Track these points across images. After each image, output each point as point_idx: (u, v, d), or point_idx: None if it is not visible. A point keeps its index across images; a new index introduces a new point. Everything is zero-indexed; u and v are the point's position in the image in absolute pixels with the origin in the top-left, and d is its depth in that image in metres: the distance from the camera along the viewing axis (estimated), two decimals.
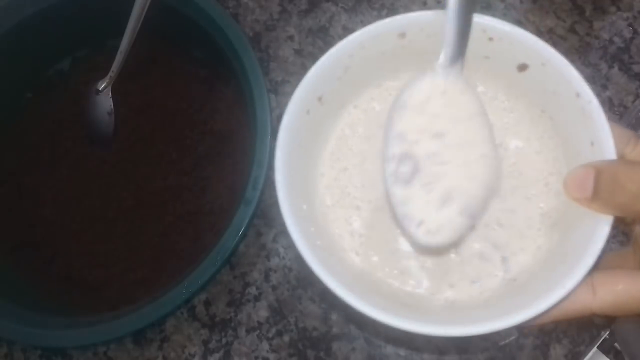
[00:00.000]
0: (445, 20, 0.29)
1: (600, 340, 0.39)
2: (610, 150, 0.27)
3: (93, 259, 0.44)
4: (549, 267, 0.28)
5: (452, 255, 0.30)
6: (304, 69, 0.49)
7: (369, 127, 0.33)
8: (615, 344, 0.38)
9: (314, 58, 0.49)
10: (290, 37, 0.50)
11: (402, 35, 0.31)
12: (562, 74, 0.29)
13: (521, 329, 0.41)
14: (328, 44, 0.49)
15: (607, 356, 0.38)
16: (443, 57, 0.29)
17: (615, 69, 0.46)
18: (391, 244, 0.31)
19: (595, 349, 0.39)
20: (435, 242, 0.27)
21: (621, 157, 0.28)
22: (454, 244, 0.30)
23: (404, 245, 0.31)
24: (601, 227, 0.26)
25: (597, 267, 0.26)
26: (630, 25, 0.48)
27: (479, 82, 0.33)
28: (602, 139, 0.27)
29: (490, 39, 0.31)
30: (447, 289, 0.30)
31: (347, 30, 0.49)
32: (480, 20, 0.30)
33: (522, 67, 0.31)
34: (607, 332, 0.39)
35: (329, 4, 0.50)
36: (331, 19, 0.50)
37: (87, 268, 0.43)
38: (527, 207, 0.30)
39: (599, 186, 0.26)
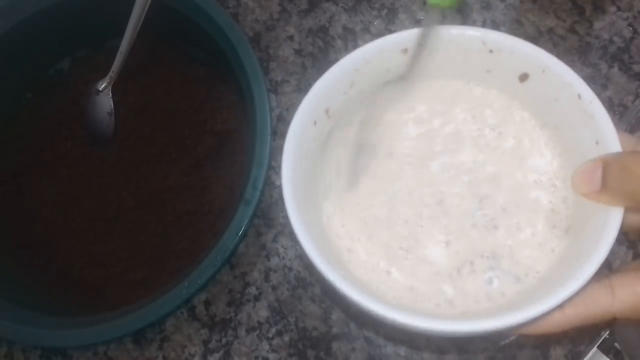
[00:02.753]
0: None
1: (600, 340, 0.39)
2: (615, 146, 0.27)
3: (93, 259, 0.44)
4: (562, 268, 0.28)
5: (464, 270, 0.30)
6: (304, 68, 0.49)
7: (377, 144, 0.33)
8: (615, 344, 0.38)
9: (314, 58, 0.49)
10: (290, 37, 0.50)
11: (405, 51, 0.32)
12: (562, 78, 0.29)
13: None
14: (328, 44, 0.49)
15: (607, 356, 0.38)
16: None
17: (615, 69, 0.46)
18: (395, 257, 0.31)
19: (595, 349, 0.39)
20: None
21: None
22: None
23: (411, 260, 0.31)
24: (613, 218, 0.26)
25: (615, 271, 0.26)
26: (630, 25, 0.48)
27: (481, 105, 0.33)
28: (607, 136, 0.28)
29: (491, 51, 0.31)
30: (460, 305, 0.29)
31: (347, 30, 0.49)
32: (480, 33, 0.31)
33: (524, 77, 0.31)
34: (607, 332, 0.39)
35: (329, 4, 0.50)
36: (331, 18, 0.50)
37: (87, 268, 0.43)
38: (535, 213, 0.30)
39: (608, 176, 0.26)
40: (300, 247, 0.28)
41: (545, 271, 0.29)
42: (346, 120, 0.33)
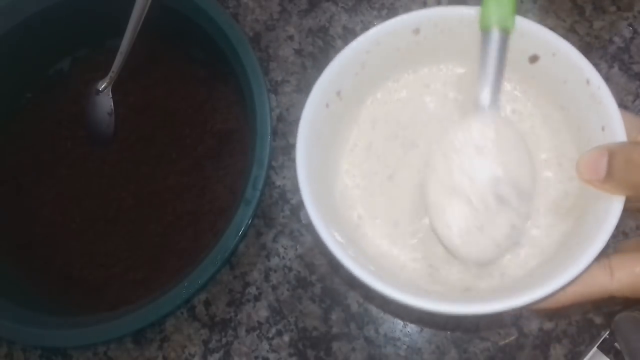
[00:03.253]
0: (484, 59, 0.30)
1: (600, 340, 0.39)
2: (621, 134, 0.27)
3: (93, 259, 0.44)
4: (563, 250, 0.28)
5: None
6: (304, 68, 0.49)
7: (388, 122, 0.33)
8: (615, 344, 0.38)
9: (314, 58, 0.49)
10: (290, 37, 0.50)
11: (417, 31, 0.32)
12: (572, 62, 0.29)
13: (528, 322, 0.41)
14: (328, 43, 0.49)
15: (607, 356, 0.38)
16: (484, 98, 0.30)
17: (615, 69, 0.46)
18: (403, 235, 0.31)
19: (595, 349, 0.39)
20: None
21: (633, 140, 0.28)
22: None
23: (423, 239, 0.31)
24: (614, 207, 0.26)
25: (615, 251, 0.27)
26: (630, 25, 0.48)
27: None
28: (613, 123, 0.28)
29: None
30: (470, 280, 0.30)
31: (347, 30, 0.49)
32: None
33: (534, 59, 0.31)
34: (607, 332, 0.39)
35: (329, 4, 0.50)
36: (331, 18, 0.50)
37: (87, 268, 0.43)
38: (540, 192, 0.30)
39: (613, 166, 0.26)
40: (313, 228, 0.28)
41: (547, 252, 0.29)
42: (357, 99, 0.33)
